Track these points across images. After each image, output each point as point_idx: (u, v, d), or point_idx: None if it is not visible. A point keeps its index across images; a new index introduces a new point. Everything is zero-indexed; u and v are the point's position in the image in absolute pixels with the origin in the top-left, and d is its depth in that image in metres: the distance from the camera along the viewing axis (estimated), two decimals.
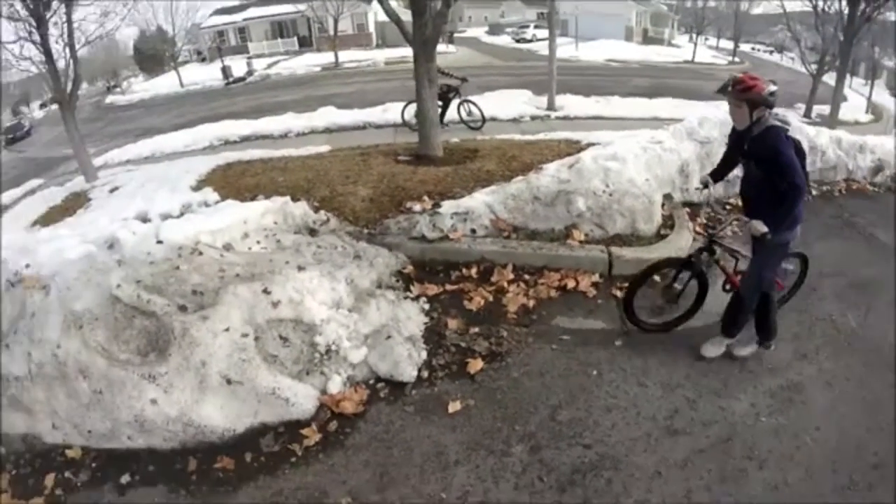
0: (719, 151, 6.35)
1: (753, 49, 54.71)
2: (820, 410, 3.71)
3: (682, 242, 5.40)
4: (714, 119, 6.99)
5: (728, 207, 6.37)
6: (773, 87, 3.55)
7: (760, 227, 3.52)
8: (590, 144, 8.12)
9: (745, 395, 3.79)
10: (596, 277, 5.02)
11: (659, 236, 5.53)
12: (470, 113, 12.27)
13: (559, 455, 3.39)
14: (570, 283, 4.94)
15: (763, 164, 3.62)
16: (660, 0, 55.30)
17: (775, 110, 3.63)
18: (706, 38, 50.24)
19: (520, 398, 3.80)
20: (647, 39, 49.38)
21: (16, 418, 3.85)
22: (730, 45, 48.32)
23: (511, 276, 5.04)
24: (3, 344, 3.89)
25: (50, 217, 9.93)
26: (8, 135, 38.21)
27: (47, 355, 3.74)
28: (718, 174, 4.21)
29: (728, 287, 4.26)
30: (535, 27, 46.82)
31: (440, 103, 11.50)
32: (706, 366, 4.04)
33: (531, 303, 4.76)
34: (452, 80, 11.77)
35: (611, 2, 46.46)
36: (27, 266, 4.19)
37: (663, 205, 5.92)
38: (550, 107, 15.89)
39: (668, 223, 5.75)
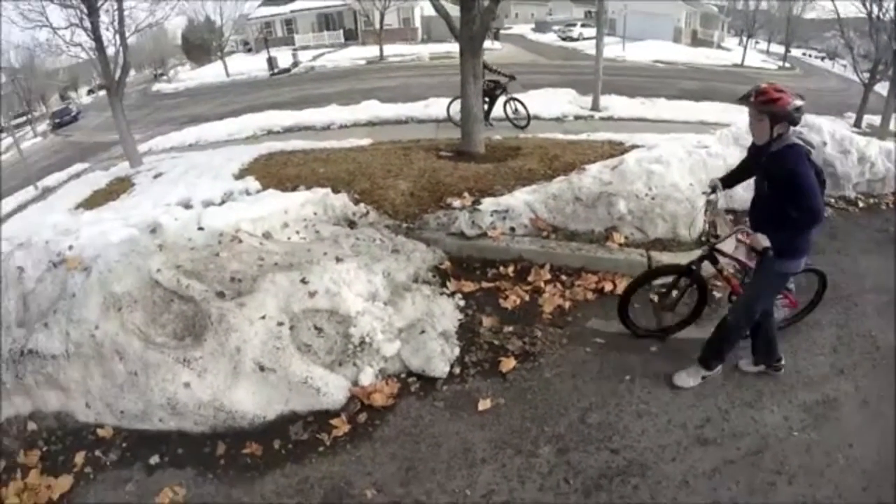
0: None
1: (805, 55, 53.21)
2: (854, 428, 3.56)
3: (724, 250, 5.26)
4: None
5: None
6: (798, 102, 3.26)
7: (763, 240, 3.30)
8: (634, 146, 7.99)
9: (779, 408, 3.68)
10: None
11: (700, 242, 5.39)
12: (516, 111, 12.03)
13: (587, 458, 3.34)
14: (608, 286, 4.86)
15: (776, 185, 3.34)
16: (710, 1, 54.08)
17: (800, 128, 3.45)
18: (756, 42, 48.90)
19: (550, 399, 3.76)
20: (696, 41, 48.21)
21: (50, 396, 3.95)
22: (780, 49, 46.96)
23: (548, 277, 4.99)
24: (42, 322, 3.98)
25: (94, 200, 10.18)
26: (55, 119, 39.47)
27: (85, 335, 3.82)
28: (730, 180, 4.01)
29: (734, 298, 4.12)
30: (582, 25, 46.15)
31: (486, 100, 11.43)
32: (741, 376, 3.93)
33: (567, 304, 4.70)
34: (500, 77, 11.58)
35: (660, 1, 45.61)
36: (70, 247, 4.28)
37: (706, 210, 5.78)
38: (595, 107, 15.68)
39: (710, 229, 5.62)
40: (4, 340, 4.04)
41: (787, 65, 43.31)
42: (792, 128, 3.34)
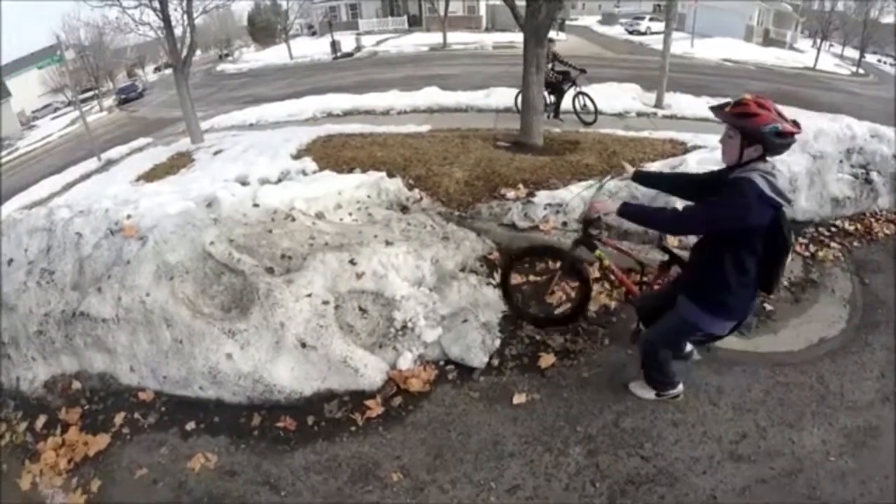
0: (832, 169, 5.95)
1: (880, 61, 50.49)
2: (892, 459, 3.36)
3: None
4: (831, 133, 6.49)
5: (833, 229, 5.83)
6: (784, 126, 2.65)
7: (609, 205, 2.98)
8: (696, 147, 7.80)
9: (819, 431, 3.50)
10: None
11: None
12: (584, 106, 11.62)
13: (616, 462, 3.27)
14: (656, 288, 4.74)
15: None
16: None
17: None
18: (830, 45, 46.57)
19: (586, 399, 3.69)
20: (767, 41, 46.22)
21: (97, 358, 4.12)
22: (855, 54, 44.73)
23: (597, 275, 4.88)
24: (95, 287, 4.12)
25: (154, 174, 10.53)
26: (121, 95, 40.91)
27: (136, 302, 3.94)
28: (650, 180, 3.46)
29: (630, 298, 3.87)
30: (651, 19, 44.85)
31: (554, 92, 11.27)
32: (783, 394, 3.75)
33: (613, 304, 4.60)
34: (571, 70, 11.32)
35: None
36: (128, 217, 4.41)
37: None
38: (658, 104, 15.26)
39: None
40: (58, 302, 4.20)
41: (861, 70, 41.21)
42: (768, 160, 2.77)
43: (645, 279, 3.84)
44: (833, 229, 5.80)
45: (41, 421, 3.99)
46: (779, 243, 2.79)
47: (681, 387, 3.62)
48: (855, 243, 5.58)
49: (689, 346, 3.55)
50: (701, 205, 2.87)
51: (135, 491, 3.42)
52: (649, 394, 3.65)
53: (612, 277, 4.11)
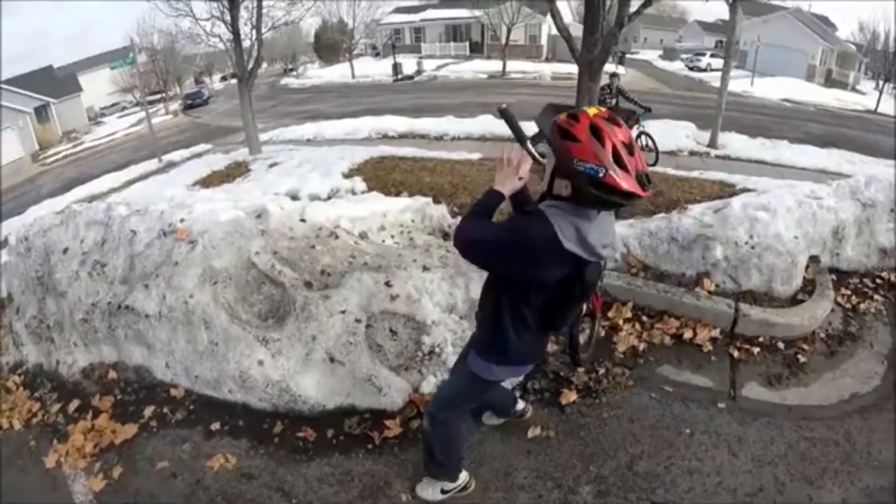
0: (882, 218, 5.81)
1: None
2: None
3: (818, 311, 4.97)
4: (884, 181, 6.32)
5: (879, 281, 5.68)
6: (604, 175, 1.95)
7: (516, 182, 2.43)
8: (744, 190, 7.70)
9: (839, 489, 3.39)
10: (716, 332, 4.71)
11: (794, 300, 5.13)
12: (646, 146, 11.39)
13: None
14: (688, 334, 4.69)
15: None
16: (849, 39, 50.58)
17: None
18: (894, 87, 45.02)
19: (602, 439, 3.68)
20: (829, 81, 44.84)
21: (135, 350, 4.34)
22: None
23: (629, 315, 4.88)
24: (143, 283, 4.32)
25: (210, 180, 10.95)
26: (187, 100, 42.53)
27: (179, 301, 4.12)
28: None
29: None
30: (712, 56, 44.07)
31: None
32: (807, 449, 3.65)
33: (642, 346, 4.58)
34: (636, 108, 10.87)
35: (796, 35, 43.32)
36: (182, 220, 4.60)
37: (807, 267, 5.48)
38: (712, 144, 15.10)
39: (808, 288, 5.31)
40: (106, 293, 4.42)
41: None
42: (578, 211, 2.12)
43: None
44: (878, 281, 5.66)
45: (74, 405, 4.23)
46: (573, 292, 2.27)
47: (465, 474, 3.22)
48: None
49: (521, 405, 3.62)
50: (486, 226, 2.31)
51: (153, 482, 3.59)
52: (435, 493, 3.20)
53: None
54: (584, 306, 3.60)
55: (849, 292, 5.35)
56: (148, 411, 4.04)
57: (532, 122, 2.50)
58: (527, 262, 2.15)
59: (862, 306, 5.19)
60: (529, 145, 2.60)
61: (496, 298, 2.43)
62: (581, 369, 4.25)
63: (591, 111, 2.03)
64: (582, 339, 4.23)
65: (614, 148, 1.96)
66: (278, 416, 3.89)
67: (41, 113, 43.52)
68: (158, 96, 46.55)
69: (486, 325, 2.53)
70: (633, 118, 11.04)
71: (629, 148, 2.00)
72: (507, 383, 2.90)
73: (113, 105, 51.91)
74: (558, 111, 2.20)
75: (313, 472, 3.52)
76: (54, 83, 46.32)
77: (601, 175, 1.95)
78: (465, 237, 2.32)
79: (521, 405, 3.68)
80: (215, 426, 3.88)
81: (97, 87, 50.16)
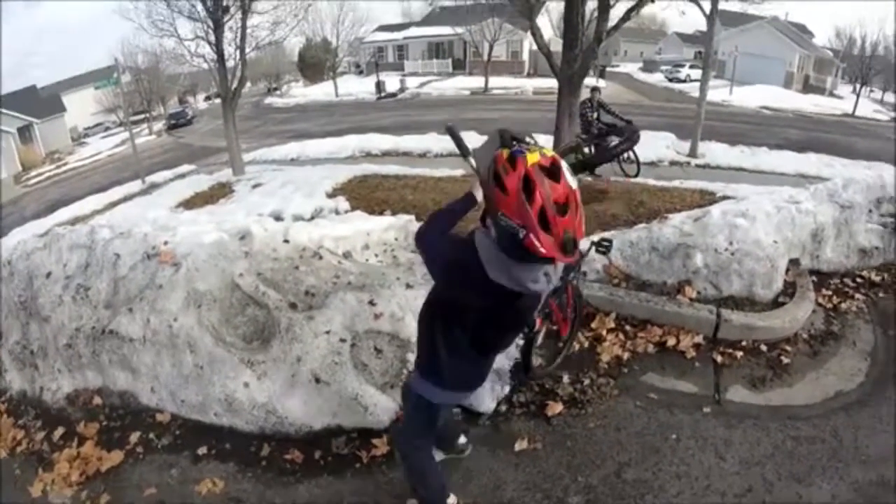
0: (861, 219, 5.91)
1: None
2: None
3: (799, 313, 5.04)
4: (862, 182, 6.42)
5: (859, 280, 5.77)
6: (524, 236, 1.88)
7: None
8: (724, 197, 7.80)
9: (828, 485, 3.43)
10: (699, 339, 4.76)
11: (775, 303, 5.20)
12: (628, 158, 11.48)
13: None
14: (671, 341, 4.74)
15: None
16: (826, 45, 51.41)
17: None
18: (871, 90, 45.54)
19: (589, 449, 3.70)
20: (807, 87, 45.58)
21: (120, 376, 4.29)
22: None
23: (612, 325, 4.91)
24: (127, 307, 4.29)
25: (194, 202, 10.95)
26: (171, 120, 42.47)
27: (163, 325, 4.10)
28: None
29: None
30: (691, 67, 44.65)
31: (596, 146, 11.20)
32: (794, 447, 3.70)
33: (626, 355, 4.62)
34: (617, 121, 10.94)
35: (773, 44, 43.99)
36: (165, 243, 4.59)
37: (787, 270, 5.56)
38: (692, 153, 15.33)
39: (789, 290, 5.38)
40: (90, 318, 4.39)
41: None
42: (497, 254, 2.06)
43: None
44: (859, 280, 5.76)
45: (59, 432, 4.17)
46: (503, 322, 2.27)
47: (452, 498, 3.08)
48: (881, 294, 5.53)
49: (463, 440, 3.54)
50: (438, 233, 2.38)
51: None
52: None
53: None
54: (542, 323, 3.76)
55: (830, 293, 5.44)
56: (134, 437, 4.00)
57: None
58: (457, 282, 2.18)
59: (843, 306, 5.28)
60: (472, 159, 2.63)
61: (430, 319, 2.43)
62: (566, 380, 4.30)
63: (533, 158, 1.90)
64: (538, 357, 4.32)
65: (542, 207, 1.85)
66: (265, 438, 3.88)
67: (24, 133, 43.32)
68: (142, 116, 46.35)
69: (421, 345, 2.56)
70: (618, 132, 10.78)
71: (562, 207, 1.87)
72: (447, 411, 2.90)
73: (96, 125, 51.59)
74: (510, 140, 2.14)
75: (302, 494, 3.50)
76: (37, 103, 46.16)
77: (520, 236, 1.88)
78: (420, 236, 2.41)
79: (462, 440, 3.57)
80: (202, 450, 3.85)
81: (81, 107, 49.91)
